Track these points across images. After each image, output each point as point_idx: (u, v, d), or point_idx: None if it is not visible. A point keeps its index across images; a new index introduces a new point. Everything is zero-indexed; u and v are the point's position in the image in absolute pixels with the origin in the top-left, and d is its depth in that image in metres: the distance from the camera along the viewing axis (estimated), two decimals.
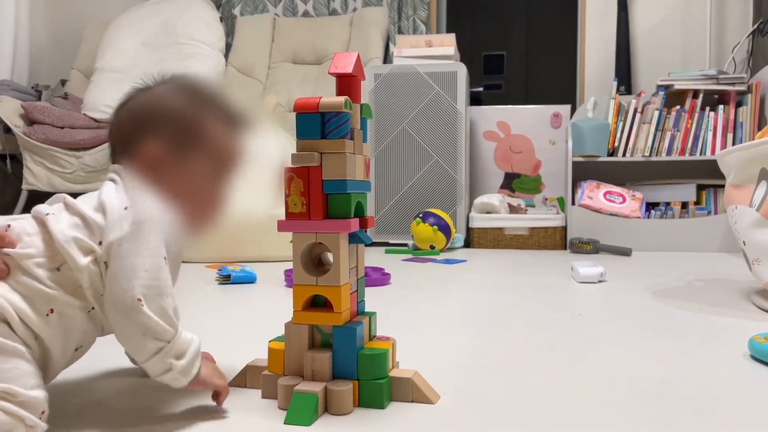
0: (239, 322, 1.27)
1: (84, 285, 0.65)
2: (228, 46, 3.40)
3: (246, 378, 0.81)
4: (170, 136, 0.73)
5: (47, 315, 0.64)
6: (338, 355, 0.74)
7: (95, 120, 3.02)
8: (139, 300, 0.64)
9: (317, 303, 0.77)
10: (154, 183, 0.71)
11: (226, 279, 1.72)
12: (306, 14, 3.45)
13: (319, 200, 0.74)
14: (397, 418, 0.71)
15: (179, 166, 0.74)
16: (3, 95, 2.96)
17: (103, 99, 3.03)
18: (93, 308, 0.67)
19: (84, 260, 0.65)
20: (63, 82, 3.49)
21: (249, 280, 1.74)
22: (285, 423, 0.68)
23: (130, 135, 0.74)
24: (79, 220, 0.67)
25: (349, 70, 0.76)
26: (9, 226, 0.65)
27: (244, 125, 0.80)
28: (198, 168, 0.75)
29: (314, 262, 0.78)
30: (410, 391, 0.75)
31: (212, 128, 0.76)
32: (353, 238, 0.77)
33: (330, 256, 0.76)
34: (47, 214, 0.66)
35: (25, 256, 0.63)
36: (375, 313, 0.83)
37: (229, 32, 3.47)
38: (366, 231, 0.80)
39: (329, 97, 0.74)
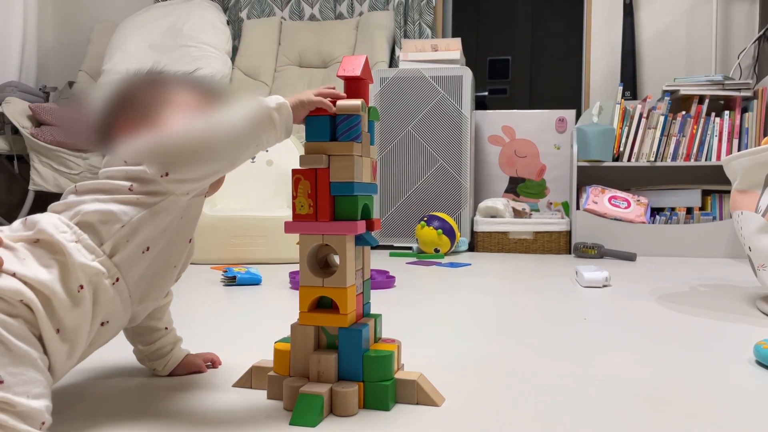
0: (244, 324, 1.28)
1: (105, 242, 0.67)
2: (235, 49, 3.42)
3: (251, 379, 0.81)
4: (136, 112, 0.77)
5: (78, 291, 0.64)
6: (344, 356, 0.74)
7: None
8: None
9: (323, 304, 0.77)
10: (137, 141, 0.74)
11: (231, 280, 1.73)
12: (312, 18, 3.46)
13: (326, 202, 0.74)
14: (402, 420, 0.71)
15: (150, 120, 0.76)
16: (11, 96, 2.98)
17: None
18: (118, 279, 0.68)
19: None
20: (71, 84, 3.50)
21: (254, 281, 1.74)
22: (290, 424, 0.69)
23: (104, 127, 0.78)
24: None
25: (358, 73, 0.77)
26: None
27: (203, 84, 0.84)
28: (168, 114, 0.77)
29: (320, 263, 0.78)
30: (415, 393, 0.75)
31: (171, 91, 0.80)
32: (359, 240, 0.78)
33: (336, 258, 0.77)
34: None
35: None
36: (380, 315, 0.84)
37: (236, 35, 3.48)
38: (372, 233, 0.81)
39: (346, 100, 0.76)
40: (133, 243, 0.68)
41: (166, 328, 0.86)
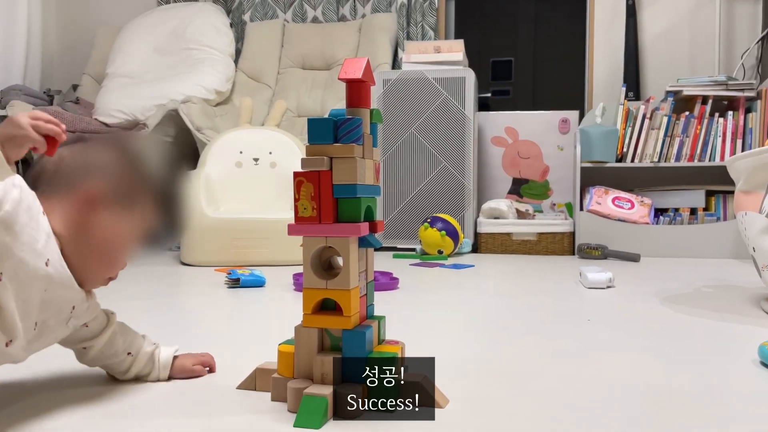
0: (248, 326, 1.28)
1: None
2: (238, 52, 3.42)
3: (255, 381, 0.82)
4: (111, 186, 0.74)
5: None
6: (347, 358, 0.75)
7: (106, 125, 3.04)
8: None
9: (327, 306, 0.77)
10: (88, 223, 0.72)
11: (235, 282, 1.73)
12: (315, 20, 3.46)
13: (330, 204, 0.75)
14: (406, 422, 0.71)
15: (111, 216, 0.73)
16: (15, 100, 2.99)
17: (114, 104, 3.06)
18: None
19: None
20: (74, 87, 3.51)
21: (258, 283, 1.75)
22: (294, 426, 0.69)
23: (72, 170, 0.74)
24: None
25: (359, 75, 0.77)
26: None
27: (174, 209, 0.81)
28: (123, 227, 0.75)
29: (324, 265, 0.78)
30: (419, 395, 0.75)
31: (145, 201, 0.77)
32: (363, 242, 0.78)
33: (340, 260, 0.77)
34: None
35: None
36: (384, 317, 0.84)
37: (239, 38, 3.49)
38: (375, 235, 0.81)
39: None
40: None
41: (130, 353, 0.84)
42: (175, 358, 0.87)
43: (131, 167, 0.77)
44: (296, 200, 0.76)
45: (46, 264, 0.67)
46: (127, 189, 0.75)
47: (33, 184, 0.69)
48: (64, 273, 0.70)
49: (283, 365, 0.78)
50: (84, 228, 0.72)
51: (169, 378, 0.85)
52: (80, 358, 0.83)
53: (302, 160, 0.75)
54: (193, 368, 0.87)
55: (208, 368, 0.90)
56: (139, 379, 0.85)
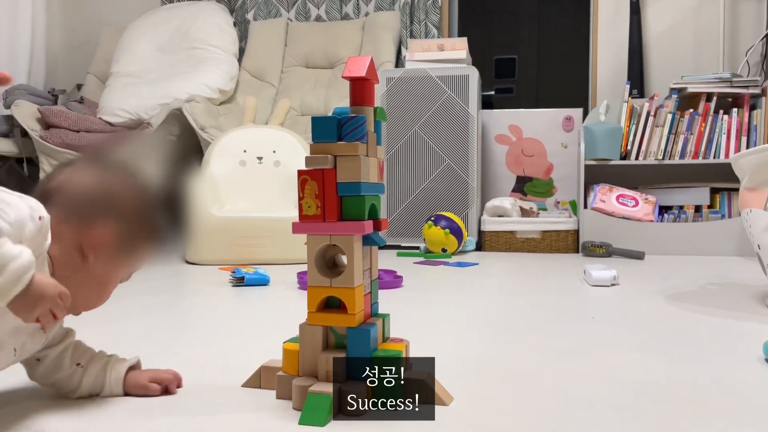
0: (253, 324, 1.28)
1: None
2: (241, 51, 3.42)
3: (260, 379, 0.82)
4: (121, 233, 0.72)
5: None
6: (352, 356, 0.75)
7: (111, 124, 3.05)
8: None
9: (331, 304, 0.77)
10: (80, 261, 0.71)
11: (239, 281, 1.74)
12: (318, 19, 3.46)
13: (334, 202, 0.75)
14: (410, 420, 0.71)
15: (113, 261, 0.73)
16: (20, 99, 3.00)
17: (118, 103, 3.06)
18: None
19: None
20: (79, 87, 3.52)
21: (262, 282, 1.75)
22: (299, 423, 0.69)
23: (88, 203, 0.72)
24: None
25: (363, 73, 0.77)
26: None
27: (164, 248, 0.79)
28: (121, 271, 0.75)
29: (328, 264, 0.78)
30: (424, 393, 0.75)
31: (148, 244, 0.76)
32: (367, 240, 0.78)
33: (344, 258, 0.77)
34: None
35: None
36: (388, 315, 0.84)
37: (243, 37, 3.49)
38: (379, 233, 0.81)
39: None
40: None
41: (79, 365, 0.78)
42: (132, 369, 0.80)
43: (147, 213, 0.75)
44: (300, 198, 0.76)
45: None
46: (138, 235, 0.75)
47: (41, 197, 0.68)
48: None
49: (287, 363, 0.78)
50: (82, 264, 0.71)
51: (126, 394, 0.78)
52: (31, 372, 0.78)
53: (306, 158, 0.75)
54: (147, 385, 0.79)
55: (166, 387, 0.80)
56: (92, 396, 0.78)
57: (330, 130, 0.75)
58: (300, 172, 0.75)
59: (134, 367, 0.81)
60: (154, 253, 0.77)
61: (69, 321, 0.76)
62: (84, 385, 0.78)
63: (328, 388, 0.72)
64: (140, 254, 0.76)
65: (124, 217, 0.73)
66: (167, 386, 0.80)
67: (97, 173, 0.74)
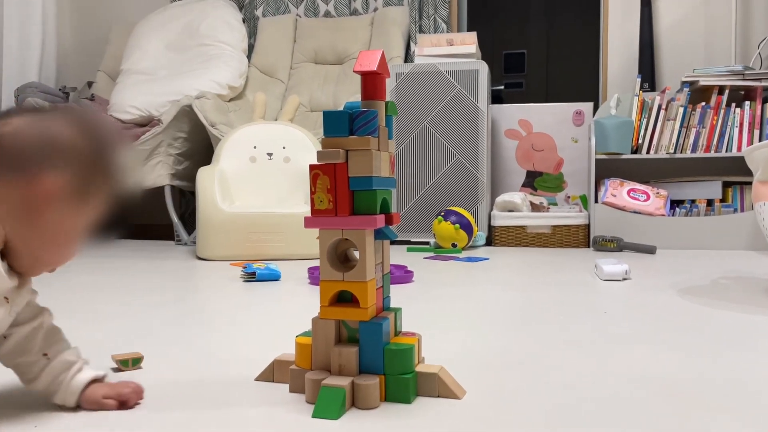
0: (265, 318, 1.29)
1: None
2: (250, 47, 3.43)
3: (273, 372, 0.82)
4: (73, 179, 0.66)
5: None
6: (365, 350, 0.75)
7: (122, 121, 3.07)
8: None
9: (343, 298, 0.77)
10: (37, 216, 0.65)
11: (251, 276, 1.74)
12: (327, 14, 3.46)
13: (346, 197, 0.75)
14: (423, 413, 0.71)
15: (68, 211, 0.66)
16: (31, 97, 3.02)
17: (129, 100, 3.08)
18: None
19: None
20: (90, 84, 3.54)
21: (273, 277, 1.76)
22: (313, 417, 0.69)
23: (26, 157, 0.64)
24: None
25: (374, 68, 0.77)
26: None
27: (126, 190, 0.74)
28: (81, 219, 0.68)
29: (340, 258, 0.79)
30: (436, 386, 0.76)
31: (104, 183, 0.70)
32: (379, 234, 0.78)
33: (356, 253, 0.77)
34: None
35: None
36: (400, 309, 0.84)
37: (252, 33, 3.49)
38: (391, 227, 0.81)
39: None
40: None
41: (45, 355, 0.72)
42: (94, 382, 0.73)
43: (97, 153, 0.69)
44: (312, 193, 0.76)
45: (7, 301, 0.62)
46: (90, 179, 0.68)
47: None
48: None
49: (300, 357, 0.78)
50: (34, 221, 0.65)
51: (77, 406, 0.72)
52: None
53: (318, 152, 0.76)
54: (101, 401, 0.72)
55: (123, 402, 0.73)
56: (49, 399, 0.73)
57: (342, 125, 0.75)
58: (312, 167, 0.76)
59: (98, 380, 0.74)
60: (114, 195, 0.70)
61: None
62: (41, 380, 0.72)
63: (341, 381, 0.72)
64: (98, 198, 0.69)
65: (71, 163, 0.66)
66: (126, 401, 0.73)
67: (32, 122, 0.67)
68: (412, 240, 2.81)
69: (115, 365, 0.88)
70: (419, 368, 0.77)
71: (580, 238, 2.72)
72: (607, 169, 2.84)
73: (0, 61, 3.29)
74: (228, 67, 3.11)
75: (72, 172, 0.65)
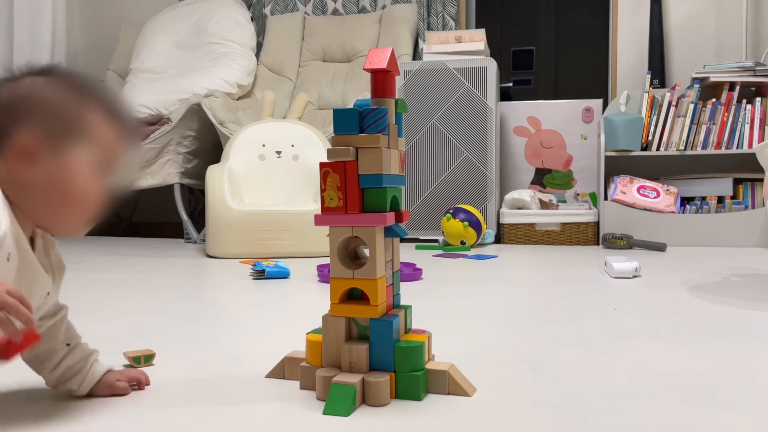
0: (275, 316, 1.29)
1: None
2: (259, 46, 3.44)
3: (284, 369, 0.83)
4: (46, 126, 0.64)
5: None
6: (375, 347, 0.75)
7: None
8: None
9: (354, 296, 0.78)
10: (27, 178, 0.63)
11: (260, 274, 1.75)
12: (335, 12, 3.46)
13: (356, 194, 0.75)
14: (433, 410, 0.71)
15: (56, 159, 0.64)
16: None
17: (138, 99, 3.09)
18: None
19: None
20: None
21: (283, 275, 1.76)
22: (324, 413, 0.70)
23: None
24: None
25: (384, 65, 0.77)
26: None
27: (127, 119, 0.72)
28: (78, 161, 0.65)
29: (351, 255, 0.79)
30: (447, 384, 0.76)
31: (94, 118, 0.67)
32: (389, 232, 0.78)
33: (366, 250, 0.77)
34: None
35: None
36: (410, 306, 0.84)
37: (260, 31, 3.50)
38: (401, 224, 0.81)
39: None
40: None
41: (68, 345, 0.74)
42: (108, 372, 0.77)
43: (69, 98, 0.66)
44: (323, 191, 0.76)
45: (8, 259, 0.61)
46: (72, 118, 0.66)
47: None
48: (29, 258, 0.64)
49: (311, 354, 0.79)
50: (26, 184, 0.63)
51: (89, 394, 0.75)
52: None
53: (328, 150, 0.76)
54: (114, 383, 0.76)
55: (135, 384, 0.79)
56: (59, 386, 0.75)
57: (352, 123, 0.75)
58: (322, 165, 0.76)
59: (110, 372, 0.78)
60: (106, 126, 0.68)
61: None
62: (62, 366, 0.73)
63: (351, 378, 0.72)
64: (89, 135, 0.66)
65: (45, 116, 0.64)
66: (137, 383, 0.78)
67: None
68: (421, 238, 2.81)
69: (127, 362, 0.89)
70: (429, 365, 0.77)
71: (589, 235, 2.71)
72: (617, 166, 2.83)
73: (11, 61, 3.31)
74: (237, 66, 3.12)
75: (49, 120, 0.64)
